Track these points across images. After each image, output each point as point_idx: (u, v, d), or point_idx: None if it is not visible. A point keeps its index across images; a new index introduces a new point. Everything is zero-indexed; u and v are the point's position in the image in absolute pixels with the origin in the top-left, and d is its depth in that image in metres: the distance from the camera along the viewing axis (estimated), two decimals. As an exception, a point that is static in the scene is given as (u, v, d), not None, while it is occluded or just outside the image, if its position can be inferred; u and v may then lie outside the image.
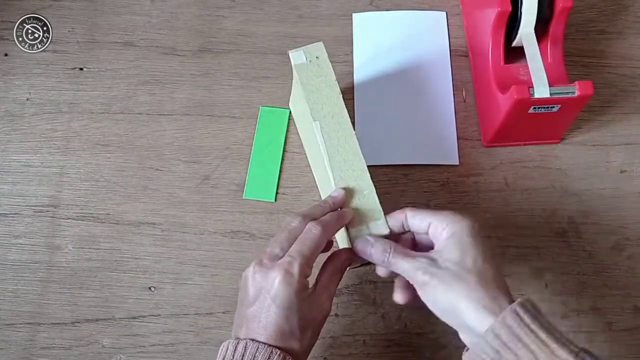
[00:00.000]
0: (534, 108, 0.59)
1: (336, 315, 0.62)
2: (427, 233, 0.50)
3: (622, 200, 0.66)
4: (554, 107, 0.60)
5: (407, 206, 0.52)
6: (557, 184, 0.67)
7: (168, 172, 0.67)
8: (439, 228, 0.49)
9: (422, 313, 0.62)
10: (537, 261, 0.64)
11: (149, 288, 0.63)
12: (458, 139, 0.68)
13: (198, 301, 0.62)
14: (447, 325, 0.61)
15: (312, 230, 0.49)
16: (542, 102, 0.59)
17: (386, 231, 0.52)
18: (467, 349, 0.47)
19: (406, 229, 0.52)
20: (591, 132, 0.69)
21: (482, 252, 0.47)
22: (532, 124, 0.63)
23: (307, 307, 0.48)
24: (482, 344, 0.45)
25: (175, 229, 0.65)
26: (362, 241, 0.51)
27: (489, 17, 0.63)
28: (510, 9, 0.61)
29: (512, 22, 0.63)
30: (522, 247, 0.64)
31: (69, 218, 0.65)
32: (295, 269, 0.47)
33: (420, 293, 0.49)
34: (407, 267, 0.48)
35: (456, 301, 0.46)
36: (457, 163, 0.67)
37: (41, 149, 0.68)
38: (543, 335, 0.43)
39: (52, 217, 0.65)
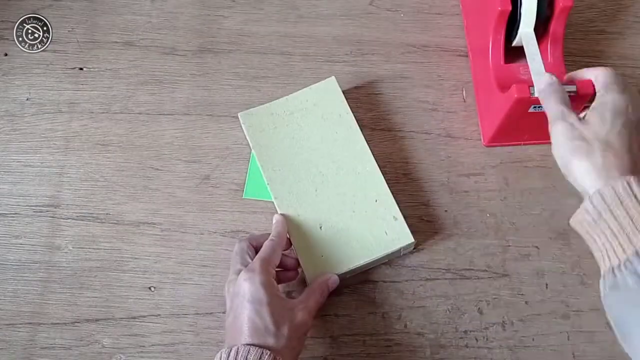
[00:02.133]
0: (534, 107, 0.59)
1: (336, 315, 0.62)
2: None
3: (622, 200, 0.66)
4: (553, 106, 0.59)
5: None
6: (557, 184, 0.67)
7: (168, 172, 0.67)
8: (597, 95, 0.53)
9: (422, 313, 0.62)
10: (537, 261, 0.64)
11: (149, 288, 0.63)
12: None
13: (198, 301, 0.62)
14: (447, 325, 0.61)
15: (266, 242, 0.57)
16: (542, 101, 0.58)
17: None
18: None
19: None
20: (591, 131, 0.69)
21: (619, 129, 0.50)
22: (533, 123, 0.63)
23: (277, 302, 0.52)
24: (587, 205, 0.48)
25: (175, 228, 0.65)
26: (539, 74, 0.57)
27: (490, 16, 0.63)
28: (510, 8, 0.61)
29: (512, 22, 0.63)
30: (522, 247, 0.64)
31: (69, 218, 0.65)
32: (257, 266, 0.53)
33: (550, 131, 0.53)
34: (554, 112, 0.53)
35: (576, 161, 0.50)
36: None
37: (41, 149, 0.68)
38: None
39: (52, 217, 0.65)
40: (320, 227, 0.61)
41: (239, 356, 0.48)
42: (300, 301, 0.55)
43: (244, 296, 0.52)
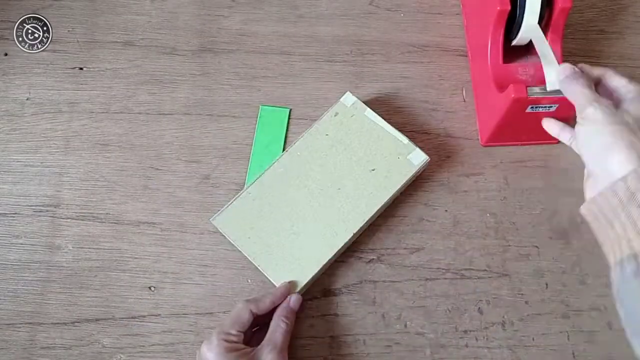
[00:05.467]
0: (532, 107, 0.59)
1: (336, 315, 0.62)
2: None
3: (622, 200, 0.66)
4: (551, 106, 0.59)
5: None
6: (557, 184, 0.67)
7: (168, 172, 0.67)
8: (627, 91, 0.51)
9: (422, 313, 0.62)
10: (537, 261, 0.64)
11: (149, 288, 0.63)
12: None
13: (198, 301, 0.62)
14: (447, 325, 0.61)
15: (237, 304, 0.56)
16: (540, 101, 0.58)
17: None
18: (594, 196, 0.47)
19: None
20: (591, 131, 0.69)
21: None
22: (530, 123, 0.63)
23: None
24: (618, 184, 0.44)
25: (175, 228, 0.65)
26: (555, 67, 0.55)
27: (489, 16, 0.63)
28: (509, 7, 0.61)
29: (511, 21, 0.63)
30: (522, 247, 0.64)
31: (69, 218, 0.65)
32: (213, 339, 0.53)
33: (577, 130, 0.50)
34: (584, 95, 0.50)
35: (613, 141, 0.46)
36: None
37: (41, 149, 0.68)
38: None
39: (52, 217, 0.65)
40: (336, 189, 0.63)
41: None
42: (266, 343, 0.55)
43: None
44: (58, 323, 0.62)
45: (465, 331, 0.61)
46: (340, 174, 0.64)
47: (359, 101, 0.67)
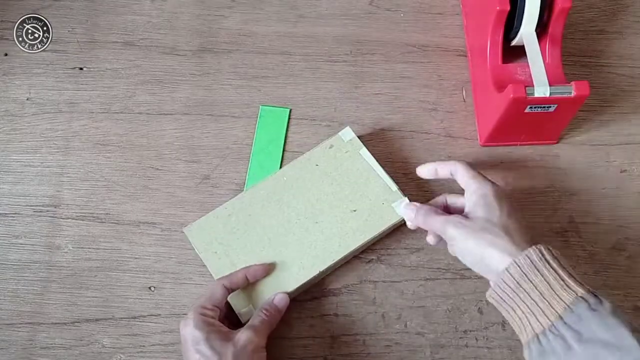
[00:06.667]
0: (531, 107, 0.59)
1: (336, 315, 0.62)
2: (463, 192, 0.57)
3: (622, 200, 0.66)
4: (550, 106, 0.60)
5: (458, 161, 0.58)
6: (557, 184, 0.67)
7: (168, 172, 0.67)
8: (470, 191, 0.55)
9: (422, 313, 0.62)
10: (537, 261, 0.64)
11: (149, 288, 0.63)
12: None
13: (198, 301, 0.62)
14: (447, 325, 0.61)
15: (210, 283, 0.58)
16: (539, 101, 0.58)
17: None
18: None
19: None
20: (591, 132, 0.69)
21: (507, 210, 0.53)
22: (529, 123, 0.63)
23: (215, 335, 0.53)
24: (504, 277, 0.48)
25: (175, 228, 0.65)
26: (405, 206, 0.60)
27: (488, 16, 0.63)
28: (509, 8, 0.61)
29: (511, 22, 0.63)
30: (522, 246, 0.64)
31: (69, 218, 0.65)
32: (190, 314, 0.54)
33: (450, 247, 0.55)
34: (440, 222, 0.55)
35: (483, 248, 0.51)
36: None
37: (41, 149, 0.68)
38: (561, 271, 0.47)
39: (52, 217, 0.65)
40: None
41: None
42: (246, 325, 0.56)
43: (185, 341, 0.53)
44: (58, 323, 0.62)
45: (465, 331, 0.61)
46: (320, 208, 0.62)
47: (357, 138, 0.64)
